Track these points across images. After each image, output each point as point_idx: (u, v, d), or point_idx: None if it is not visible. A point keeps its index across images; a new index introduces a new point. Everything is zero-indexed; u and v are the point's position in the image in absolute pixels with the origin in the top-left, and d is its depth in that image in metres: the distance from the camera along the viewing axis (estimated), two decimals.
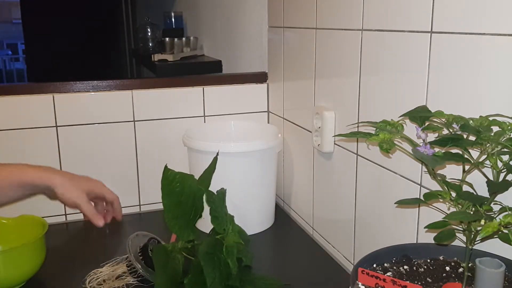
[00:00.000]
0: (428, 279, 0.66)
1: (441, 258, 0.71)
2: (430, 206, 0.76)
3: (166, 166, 0.97)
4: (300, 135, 1.28)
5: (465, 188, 0.62)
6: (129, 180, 1.38)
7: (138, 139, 1.37)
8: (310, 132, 1.19)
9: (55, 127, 1.29)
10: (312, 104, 1.18)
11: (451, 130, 0.62)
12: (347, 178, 1.05)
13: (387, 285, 0.61)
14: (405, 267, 0.69)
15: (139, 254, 1.01)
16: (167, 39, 2.17)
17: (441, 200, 0.64)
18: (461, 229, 0.61)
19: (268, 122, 1.47)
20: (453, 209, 0.61)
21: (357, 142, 1.01)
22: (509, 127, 0.60)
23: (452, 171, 0.69)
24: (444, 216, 0.60)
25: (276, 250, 1.21)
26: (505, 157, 0.59)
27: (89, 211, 1.01)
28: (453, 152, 0.61)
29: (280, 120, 1.39)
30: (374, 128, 0.64)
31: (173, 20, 2.54)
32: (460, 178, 0.62)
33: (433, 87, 0.77)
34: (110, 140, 1.34)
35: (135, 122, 1.35)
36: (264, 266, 1.07)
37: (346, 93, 1.03)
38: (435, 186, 0.68)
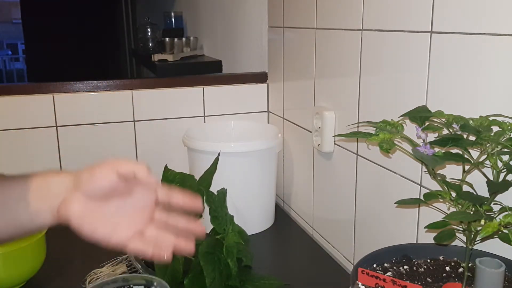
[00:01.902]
0: (428, 279, 0.66)
1: (441, 258, 0.71)
2: (430, 206, 0.76)
3: (166, 166, 0.98)
4: (300, 135, 1.28)
5: (465, 188, 0.62)
6: None
7: (138, 139, 1.37)
8: (310, 132, 1.19)
9: (55, 127, 1.29)
10: (312, 104, 1.18)
11: (451, 130, 0.62)
12: (347, 178, 1.05)
13: (387, 285, 0.61)
14: (405, 267, 0.69)
15: None
16: (167, 39, 2.17)
17: (441, 200, 0.64)
18: (461, 229, 0.61)
19: (268, 122, 1.47)
20: (453, 209, 0.61)
21: (357, 142, 1.01)
22: (509, 127, 0.60)
23: (452, 171, 0.69)
24: (444, 216, 0.60)
25: (276, 250, 1.21)
26: (505, 157, 0.59)
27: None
28: (453, 152, 0.61)
29: (280, 120, 1.39)
30: (374, 128, 0.64)
31: (173, 20, 2.54)
32: (460, 178, 0.62)
33: (433, 87, 0.77)
34: (110, 140, 1.34)
35: (135, 122, 1.35)
36: (264, 266, 1.07)
37: (346, 93, 1.03)
38: (435, 186, 0.68)
